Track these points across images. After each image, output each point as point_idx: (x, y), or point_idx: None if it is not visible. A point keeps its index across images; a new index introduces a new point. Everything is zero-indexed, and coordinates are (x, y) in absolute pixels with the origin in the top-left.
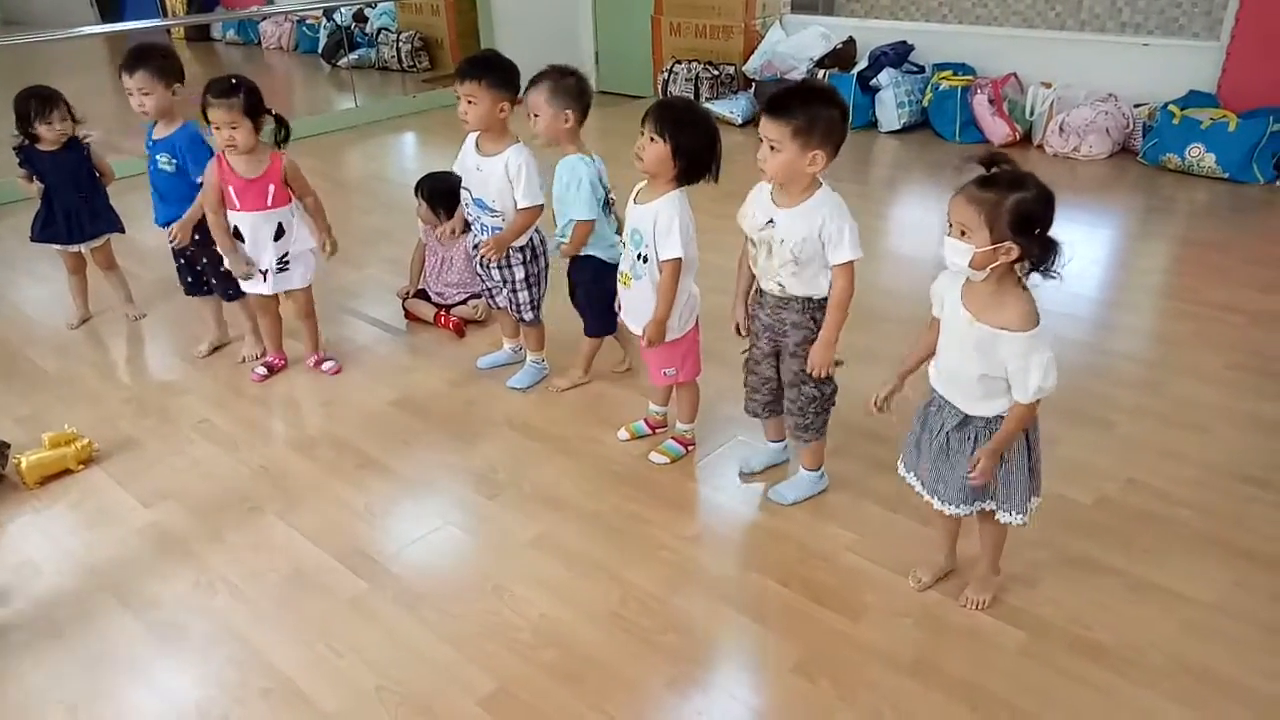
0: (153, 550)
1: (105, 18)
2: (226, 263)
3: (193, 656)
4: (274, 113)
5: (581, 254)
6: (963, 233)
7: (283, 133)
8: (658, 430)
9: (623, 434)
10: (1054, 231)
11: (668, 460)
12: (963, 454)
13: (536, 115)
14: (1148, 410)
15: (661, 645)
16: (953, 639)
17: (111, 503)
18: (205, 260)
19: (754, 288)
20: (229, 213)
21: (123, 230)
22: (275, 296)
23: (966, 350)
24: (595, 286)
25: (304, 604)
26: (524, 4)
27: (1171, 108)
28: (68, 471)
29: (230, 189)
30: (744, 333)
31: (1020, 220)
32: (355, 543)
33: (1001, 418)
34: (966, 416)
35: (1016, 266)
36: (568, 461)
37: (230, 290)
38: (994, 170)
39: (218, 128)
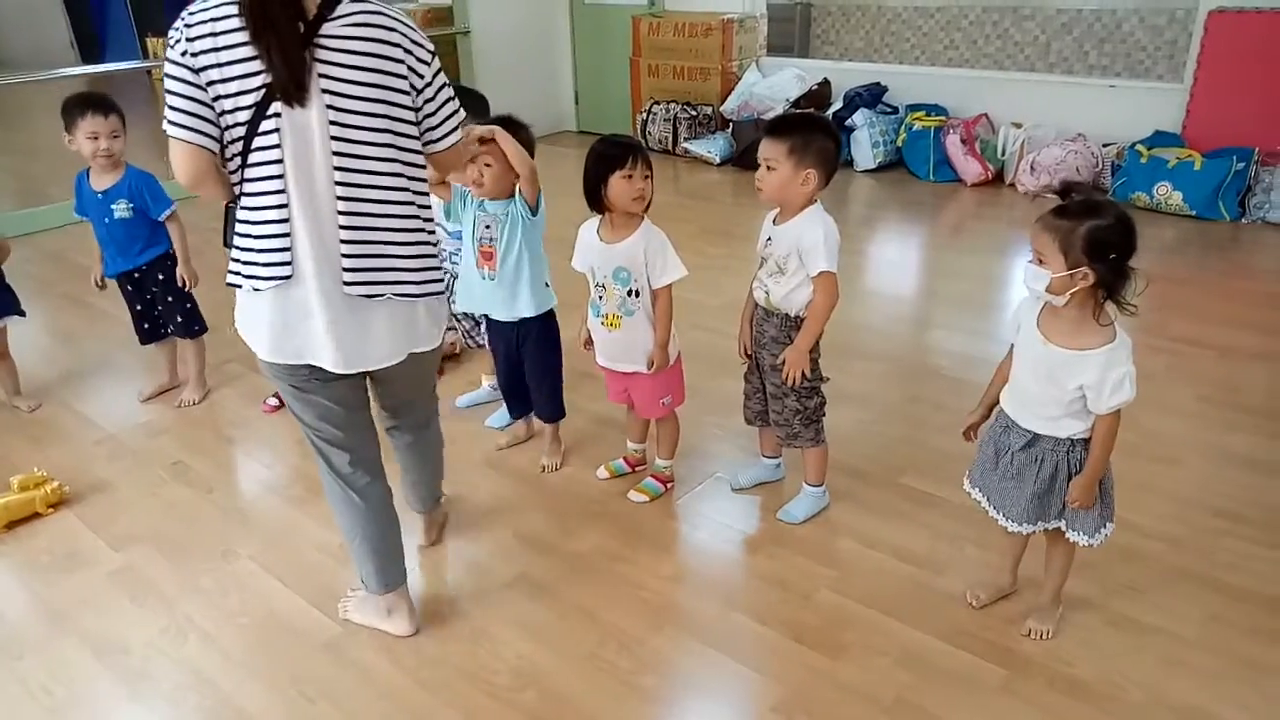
0: (122, 595)
1: (86, 59)
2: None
3: (162, 704)
4: None
5: (528, 315)
6: (1040, 260)
7: None
8: (637, 468)
9: (602, 472)
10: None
11: (647, 499)
12: (1029, 474)
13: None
14: (1120, 443)
15: (640, 687)
16: (933, 677)
17: (81, 547)
18: (170, 299)
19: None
20: None
21: (22, 313)
22: None
23: (1039, 373)
24: (542, 350)
25: (277, 649)
26: (504, 46)
27: (1139, 147)
28: (36, 515)
29: None
30: (747, 354)
31: (1094, 246)
32: (330, 586)
33: (1072, 440)
34: (1035, 436)
35: (1100, 294)
36: (546, 500)
37: (196, 326)
38: (1069, 198)
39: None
